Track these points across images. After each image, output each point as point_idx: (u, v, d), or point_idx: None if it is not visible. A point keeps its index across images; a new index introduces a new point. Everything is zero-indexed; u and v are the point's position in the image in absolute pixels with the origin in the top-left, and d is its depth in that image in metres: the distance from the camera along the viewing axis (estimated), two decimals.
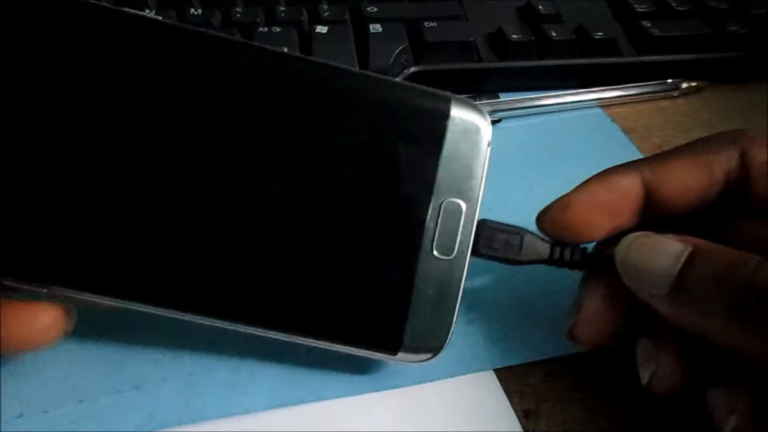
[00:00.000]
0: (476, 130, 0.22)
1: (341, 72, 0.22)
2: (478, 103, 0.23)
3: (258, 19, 0.37)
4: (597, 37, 0.38)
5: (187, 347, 0.25)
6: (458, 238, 0.22)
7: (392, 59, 0.36)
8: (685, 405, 0.24)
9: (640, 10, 0.40)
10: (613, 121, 0.37)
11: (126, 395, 0.23)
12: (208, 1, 0.38)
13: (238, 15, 0.37)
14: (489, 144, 0.22)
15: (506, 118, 0.36)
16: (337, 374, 0.24)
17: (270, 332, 0.22)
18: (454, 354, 0.25)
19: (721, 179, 0.21)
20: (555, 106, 0.36)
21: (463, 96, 0.22)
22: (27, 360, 0.24)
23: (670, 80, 0.38)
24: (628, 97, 0.38)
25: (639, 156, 0.34)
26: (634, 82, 0.38)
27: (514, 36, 0.37)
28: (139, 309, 0.21)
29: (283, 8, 0.38)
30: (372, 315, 0.22)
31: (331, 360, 0.24)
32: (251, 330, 0.22)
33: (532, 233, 0.23)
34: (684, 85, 0.38)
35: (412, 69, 0.36)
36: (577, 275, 0.24)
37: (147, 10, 0.37)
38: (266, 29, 0.37)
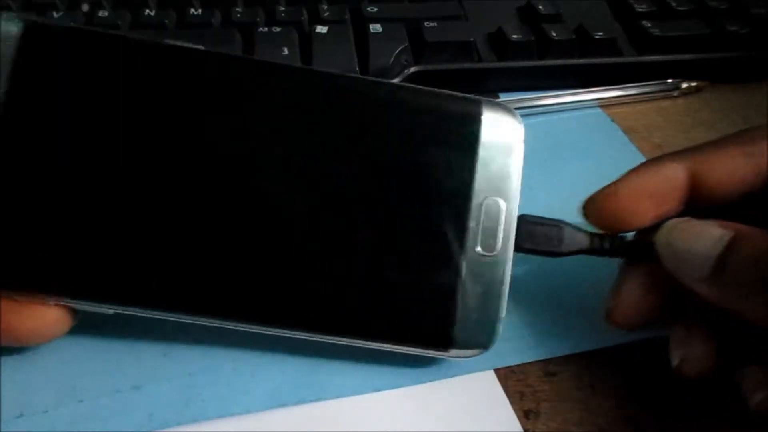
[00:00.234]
0: (508, 130, 0.23)
1: (378, 85, 0.23)
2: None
3: (258, 19, 0.37)
4: (597, 37, 0.38)
5: (187, 347, 0.25)
6: (500, 234, 0.23)
7: (392, 59, 0.36)
8: (684, 405, 0.24)
9: (640, 10, 0.40)
10: (613, 121, 0.37)
11: (126, 395, 0.23)
12: (208, 1, 0.38)
13: (238, 15, 0.37)
14: (523, 141, 0.23)
15: None
16: (337, 374, 0.24)
17: (325, 337, 0.23)
18: None
19: (765, 170, 0.22)
20: (555, 106, 0.36)
21: (493, 99, 0.23)
22: (27, 360, 0.24)
23: (670, 80, 0.38)
24: (628, 97, 0.38)
25: (639, 156, 0.34)
26: (634, 82, 0.38)
27: (514, 36, 0.37)
28: (178, 319, 0.22)
29: (283, 8, 0.38)
30: (424, 314, 0.22)
31: (331, 360, 0.24)
32: (307, 336, 0.22)
33: (570, 225, 0.24)
34: (684, 85, 0.38)
35: (412, 69, 0.36)
36: (578, 276, 0.24)
37: (147, 11, 0.37)
38: (266, 29, 0.37)
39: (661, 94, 0.38)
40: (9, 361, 0.24)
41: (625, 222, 0.23)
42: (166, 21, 0.37)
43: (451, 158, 0.23)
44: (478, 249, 0.22)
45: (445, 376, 0.24)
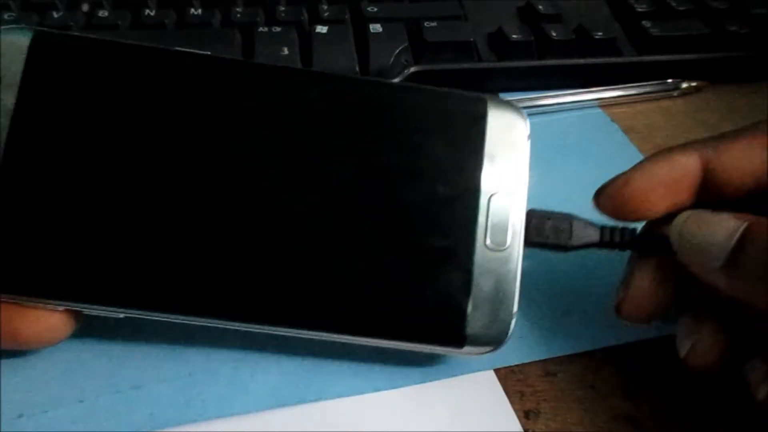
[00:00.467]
0: (514, 126, 0.23)
1: (384, 85, 0.24)
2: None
3: (258, 19, 0.37)
4: (597, 37, 0.38)
5: (187, 347, 0.25)
6: (510, 229, 0.23)
7: (392, 59, 0.36)
8: (685, 404, 0.24)
9: (640, 10, 0.40)
10: (613, 121, 0.37)
11: (126, 395, 0.23)
12: (208, 1, 0.38)
13: (238, 15, 0.37)
14: (528, 137, 0.23)
15: None
16: (337, 374, 0.24)
17: (338, 336, 0.22)
18: (454, 354, 0.25)
19: None
20: (555, 106, 0.36)
21: (498, 96, 0.24)
22: (27, 360, 0.24)
23: (670, 80, 0.38)
24: (628, 97, 0.38)
25: (639, 156, 0.34)
26: (634, 82, 0.38)
27: (514, 36, 0.37)
28: (196, 323, 0.22)
29: (283, 8, 0.38)
30: (436, 311, 0.22)
31: (331, 360, 0.24)
32: (320, 336, 0.22)
33: (580, 218, 0.24)
34: (684, 85, 0.38)
35: (412, 69, 0.36)
36: (577, 276, 0.24)
37: (147, 11, 0.37)
38: (266, 29, 0.37)
39: (661, 94, 0.38)
40: (9, 362, 0.24)
41: (638, 211, 0.22)
42: (166, 21, 0.37)
43: (458, 155, 0.23)
44: (489, 244, 0.22)
45: (445, 376, 0.24)
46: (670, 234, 0.21)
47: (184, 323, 0.22)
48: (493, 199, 0.23)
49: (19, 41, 0.22)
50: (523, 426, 0.23)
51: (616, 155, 0.33)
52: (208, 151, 0.22)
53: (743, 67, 0.39)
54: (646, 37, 0.39)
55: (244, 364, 0.24)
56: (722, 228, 0.20)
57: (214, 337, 0.25)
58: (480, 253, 0.22)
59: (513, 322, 0.22)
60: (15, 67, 0.21)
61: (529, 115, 0.36)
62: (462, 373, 0.24)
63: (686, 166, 0.22)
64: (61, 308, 0.22)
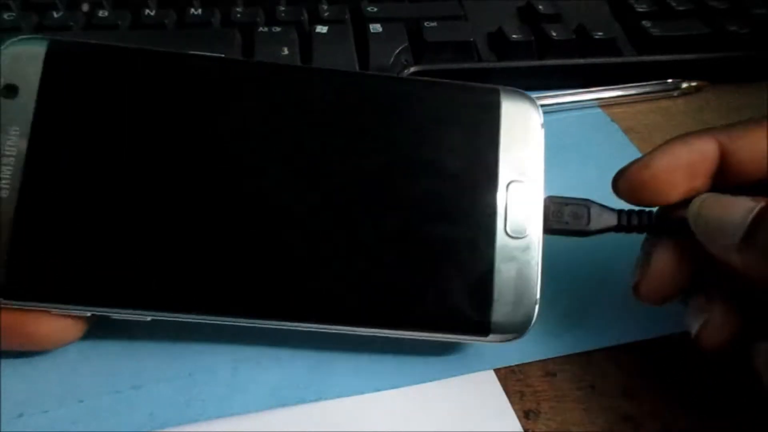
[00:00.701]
0: (527, 115, 0.24)
1: (400, 81, 0.26)
2: None
3: (258, 19, 0.37)
4: (597, 37, 0.38)
5: (187, 347, 0.25)
6: (529, 216, 0.23)
7: (392, 59, 0.36)
8: (684, 404, 0.24)
9: (640, 10, 0.40)
10: (613, 121, 0.37)
11: (126, 395, 0.23)
12: (208, 1, 0.38)
13: (238, 15, 0.37)
14: (542, 126, 0.24)
15: None
16: (337, 374, 0.24)
17: (364, 329, 0.23)
18: (454, 353, 0.25)
19: None
20: (555, 106, 0.36)
21: (510, 87, 0.24)
22: (27, 360, 0.24)
23: (670, 80, 0.38)
24: (628, 97, 0.38)
25: (639, 156, 0.34)
26: (634, 82, 0.38)
27: (514, 36, 0.37)
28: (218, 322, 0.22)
29: (283, 8, 0.38)
30: (461, 301, 0.23)
31: (331, 360, 0.24)
32: (346, 330, 0.23)
33: (597, 203, 0.24)
34: (684, 85, 0.38)
35: (412, 69, 0.36)
36: (577, 276, 0.24)
37: (147, 11, 0.37)
38: (266, 29, 0.37)
39: (661, 94, 0.38)
40: (9, 361, 0.24)
41: (657, 194, 0.23)
42: (166, 21, 0.37)
43: (474, 145, 0.23)
44: (509, 233, 0.23)
45: (445, 376, 0.24)
46: (687, 214, 0.22)
47: (212, 323, 0.22)
48: (511, 187, 0.23)
49: (35, 50, 0.22)
50: (523, 426, 0.23)
51: (616, 155, 0.33)
52: (229, 153, 0.22)
53: (743, 67, 0.39)
54: (646, 37, 0.39)
55: (244, 364, 0.24)
56: (738, 208, 0.20)
57: (215, 337, 0.25)
58: (501, 241, 0.23)
59: (536, 308, 0.23)
60: (32, 76, 0.22)
61: None
62: (462, 373, 0.24)
63: (704, 151, 0.22)
64: (89, 314, 0.22)
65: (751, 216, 0.20)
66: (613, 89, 0.38)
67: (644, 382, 0.25)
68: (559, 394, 0.24)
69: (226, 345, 0.25)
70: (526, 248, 0.23)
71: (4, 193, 0.21)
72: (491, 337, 0.23)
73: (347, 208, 0.23)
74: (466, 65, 0.37)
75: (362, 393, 0.24)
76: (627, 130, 0.36)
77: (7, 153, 0.21)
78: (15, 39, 0.22)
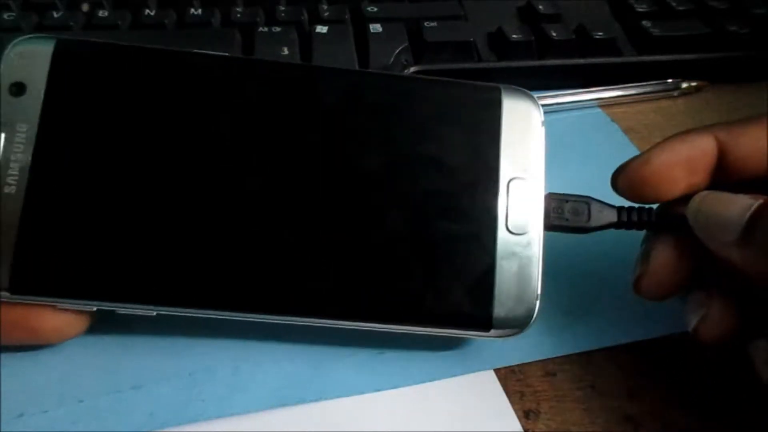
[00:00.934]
0: (528, 113, 0.24)
1: (403, 78, 0.26)
2: None
3: (258, 19, 0.37)
4: (597, 37, 0.38)
5: (188, 346, 0.25)
6: (530, 212, 0.23)
7: (392, 59, 0.36)
8: (684, 404, 0.24)
9: (640, 10, 0.40)
10: (613, 121, 0.37)
11: (126, 395, 0.23)
12: (208, 1, 0.38)
13: (238, 15, 0.37)
14: (543, 123, 0.24)
15: None
16: (337, 374, 0.24)
17: (367, 324, 0.23)
18: (454, 354, 0.25)
19: None
20: (555, 106, 0.36)
21: (510, 85, 0.24)
22: (27, 360, 0.24)
23: (670, 80, 0.38)
24: (628, 97, 0.38)
25: None
26: (634, 82, 0.38)
27: (514, 36, 0.37)
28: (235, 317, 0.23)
29: (283, 8, 0.38)
30: (463, 296, 0.23)
31: (331, 360, 0.24)
32: (351, 325, 0.23)
33: (597, 200, 0.24)
34: (684, 85, 0.38)
35: (412, 69, 0.36)
36: (577, 276, 0.24)
37: (147, 11, 0.37)
38: (266, 29, 0.37)
39: (661, 94, 0.38)
40: (9, 361, 0.24)
41: (656, 191, 0.23)
42: (166, 21, 0.37)
43: (475, 142, 0.23)
44: (510, 229, 0.23)
45: (445, 376, 0.24)
46: (687, 211, 0.22)
47: (217, 318, 0.22)
48: (512, 183, 0.23)
49: (42, 49, 0.22)
50: (523, 426, 0.23)
51: (616, 155, 0.33)
52: (234, 149, 0.23)
53: (743, 67, 0.39)
54: (646, 37, 0.39)
55: (244, 364, 0.24)
56: (737, 205, 0.20)
57: (215, 337, 0.25)
58: (502, 237, 0.23)
59: (537, 304, 0.23)
60: (40, 74, 0.22)
61: None
62: (462, 373, 0.24)
63: (703, 147, 0.23)
64: (94, 309, 0.22)
65: (749, 213, 0.20)
66: (613, 89, 0.38)
67: (644, 382, 0.25)
68: (559, 394, 0.24)
69: (226, 345, 0.25)
70: (528, 244, 0.23)
71: (12, 189, 0.22)
72: (493, 332, 0.23)
73: (350, 205, 0.23)
74: (466, 65, 0.37)
75: (362, 393, 0.24)
76: (627, 130, 0.36)
77: (15, 150, 0.22)
78: (23, 38, 0.23)
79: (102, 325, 0.24)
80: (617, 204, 0.24)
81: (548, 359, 0.25)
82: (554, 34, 0.37)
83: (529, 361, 0.25)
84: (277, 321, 0.22)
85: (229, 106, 0.23)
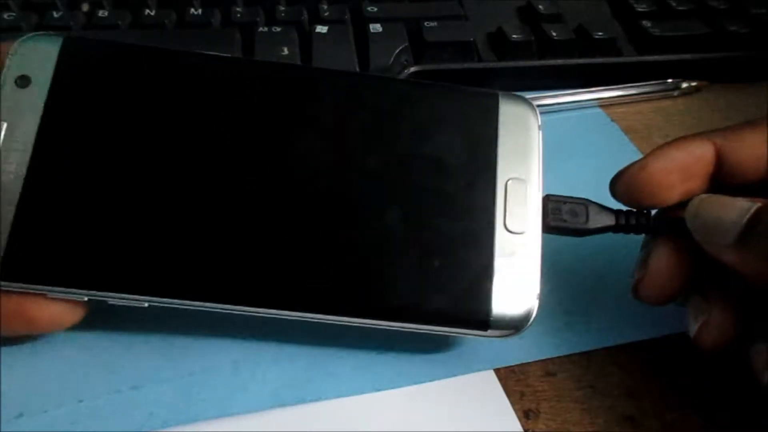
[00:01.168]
0: (525, 117, 0.24)
1: (404, 83, 0.27)
2: None
3: (258, 19, 0.37)
4: (597, 37, 0.38)
5: (187, 347, 0.25)
6: (528, 213, 0.23)
7: (392, 59, 0.36)
8: (684, 404, 0.24)
9: (640, 10, 0.40)
10: (613, 121, 0.37)
11: (126, 395, 0.23)
12: (208, 1, 0.38)
13: (238, 15, 0.37)
14: (539, 127, 0.24)
15: None
16: (337, 374, 0.24)
17: (365, 321, 0.23)
18: (454, 354, 0.25)
19: None
20: (555, 106, 0.36)
21: (508, 91, 0.25)
22: (27, 360, 0.24)
23: (670, 80, 0.38)
24: (628, 97, 0.38)
25: (639, 156, 0.34)
26: (634, 82, 0.38)
27: (514, 36, 0.37)
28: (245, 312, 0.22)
29: (283, 8, 0.38)
30: (461, 295, 0.23)
31: (331, 360, 0.25)
32: (348, 321, 0.23)
33: (595, 203, 0.24)
34: (684, 85, 0.38)
35: (412, 69, 0.36)
36: (577, 276, 0.24)
37: (147, 10, 0.37)
38: (266, 29, 0.37)
39: (661, 94, 0.38)
40: (9, 361, 0.24)
41: (654, 196, 0.23)
42: (166, 21, 0.37)
43: (474, 145, 0.24)
44: (509, 228, 0.23)
45: (445, 376, 0.24)
46: (685, 214, 0.22)
47: (209, 311, 0.22)
48: (509, 184, 0.23)
49: (50, 45, 0.23)
50: (523, 426, 0.23)
51: (616, 155, 0.33)
52: (232, 145, 0.23)
53: (743, 67, 0.39)
54: (646, 37, 0.39)
55: (244, 364, 0.24)
56: (735, 208, 0.20)
57: (215, 337, 0.25)
58: (500, 237, 0.23)
59: (536, 304, 0.23)
60: (46, 69, 0.23)
61: None
62: (462, 373, 0.24)
63: (701, 153, 0.23)
64: (86, 299, 0.22)
65: (747, 216, 0.20)
66: (613, 89, 0.38)
67: (644, 382, 0.25)
68: (559, 394, 0.24)
69: (226, 345, 0.25)
70: (526, 244, 0.23)
71: (10, 177, 0.22)
72: (490, 332, 0.23)
73: (351, 204, 0.23)
74: (466, 65, 0.37)
75: (362, 393, 0.24)
76: (627, 130, 0.36)
77: (16, 139, 0.22)
78: (32, 34, 0.23)
79: (102, 324, 0.24)
80: (616, 207, 0.24)
81: (548, 359, 0.25)
82: (554, 34, 0.37)
83: (529, 361, 0.25)
84: (273, 315, 0.22)
85: (230, 105, 0.23)
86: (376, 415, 0.23)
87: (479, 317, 0.23)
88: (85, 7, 0.37)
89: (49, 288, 0.22)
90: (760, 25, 0.39)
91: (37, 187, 0.22)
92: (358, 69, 0.36)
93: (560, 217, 0.24)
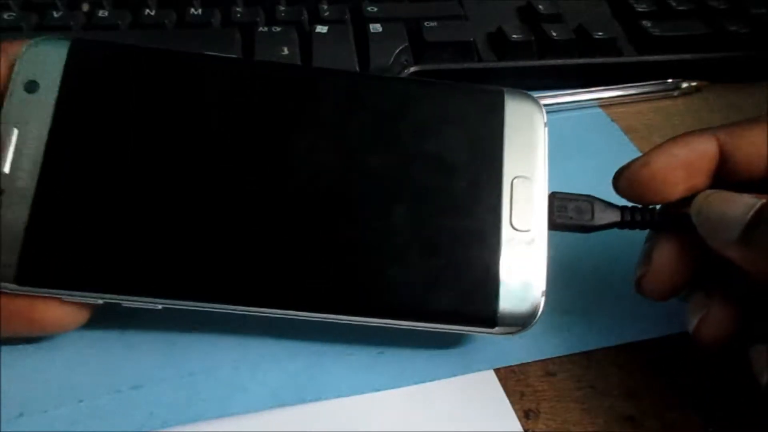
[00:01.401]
0: (531, 114, 0.25)
1: (411, 83, 0.27)
2: None
3: (258, 19, 0.37)
4: (597, 37, 0.38)
5: (187, 347, 0.25)
6: (533, 211, 0.23)
7: (392, 59, 0.36)
8: (684, 404, 0.24)
9: (640, 10, 0.40)
10: (613, 121, 0.37)
11: (126, 395, 0.23)
12: (208, 1, 0.38)
13: (238, 15, 0.37)
14: (545, 125, 0.24)
15: None
16: (337, 374, 0.24)
17: (373, 320, 0.23)
18: (454, 354, 0.25)
19: None
20: (555, 106, 0.36)
21: (514, 88, 0.25)
22: (27, 360, 0.24)
23: (670, 80, 0.38)
24: (628, 97, 0.38)
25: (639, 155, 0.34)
26: (634, 82, 0.38)
27: (514, 36, 0.37)
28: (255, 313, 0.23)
29: (283, 8, 0.38)
30: (468, 292, 0.23)
31: (331, 360, 0.24)
32: (355, 321, 0.23)
33: (600, 200, 0.24)
34: (684, 85, 0.38)
35: (412, 69, 0.36)
36: (577, 275, 0.24)
37: (147, 10, 0.37)
38: (266, 29, 0.37)
39: (661, 94, 0.38)
40: (9, 361, 0.24)
41: (657, 192, 0.23)
42: (166, 21, 0.37)
43: (480, 143, 0.24)
44: (515, 225, 0.23)
45: (445, 376, 0.24)
46: (691, 209, 0.22)
47: (223, 312, 0.22)
48: (515, 182, 0.24)
49: (57, 49, 0.23)
50: (523, 426, 0.23)
51: (616, 155, 0.33)
52: (241, 147, 0.23)
53: (743, 67, 0.39)
54: (646, 37, 0.39)
55: (244, 364, 0.24)
56: (740, 204, 0.20)
57: (214, 337, 0.25)
58: (507, 234, 0.23)
59: (542, 301, 0.23)
60: (54, 73, 0.23)
61: None
62: (462, 373, 0.24)
63: (704, 149, 0.23)
64: (101, 302, 0.22)
65: (751, 212, 0.20)
66: (613, 89, 0.38)
67: (644, 382, 0.25)
68: (559, 394, 0.24)
69: (226, 344, 0.25)
70: (532, 241, 0.23)
71: (23, 183, 0.22)
72: (498, 328, 0.23)
73: (360, 203, 0.23)
74: (466, 65, 0.37)
75: (362, 393, 0.24)
76: (627, 130, 0.36)
77: (28, 144, 0.22)
78: (39, 38, 0.23)
79: (102, 324, 0.24)
80: (620, 204, 0.24)
81: (548, 359, 0.25)
82: (554, 34, 0.37)
83: (529, 361, 0.25)
84: (285, 316, 0.23)
85: (240, 106, 0.23)
86: (376, 415, 0.23)
87: (487, 314, 0.23)
88: (85, 7, 0.37)
89: (65, 292, 0.22)
90: (760, 25, 0.39)
91: (50, 191, 0.22)
92: (358, 69, 0.36)
93: (566, 214, 0.24)
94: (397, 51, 0.36)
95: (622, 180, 0.23)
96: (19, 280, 0.22)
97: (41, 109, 0.22)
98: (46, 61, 0.23)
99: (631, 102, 0.38)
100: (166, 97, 0.23)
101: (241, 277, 0.22)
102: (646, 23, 0.39)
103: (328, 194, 0.23)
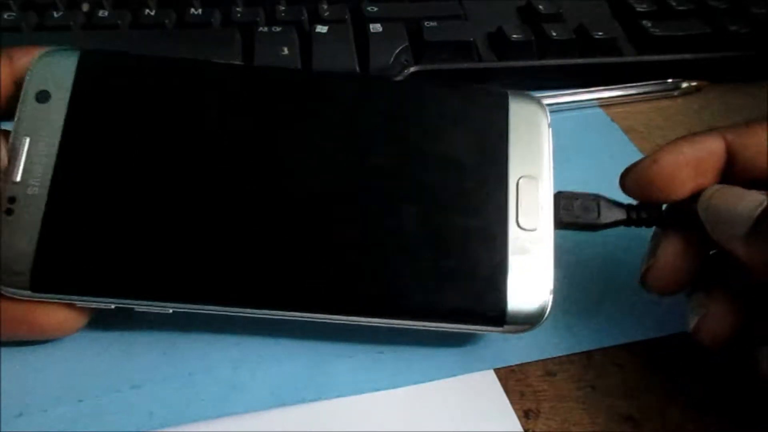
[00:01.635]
0: (535, 115, 0.25)
1: (417, 86, 0.27)
2: None
3: (258, 19, 0.37)
4: (597, 37, 0.38)
5: (187, 346, 0.25)
6: (540, 210, 0.24)
7: (392, 59, 0.36)
8: (684, 404, 0.24)
9: (640, 10, 0.40)
10: (613, 121, 0.37)
11: (126, 395, 0.23)
12: (208, 1, 0.38)
13: (238, 15, 0.38)
14: (549, 125, 0.25)
15: None
16: (337, 374, 0.24)
17: (383, 321, 0.23)
18: (454, 354, 0.25)
19: None
20: (555, 106, 0.36)
21: (517, 90, 0.25)
22: (27, 359, 0.24)
23: (670, 80, 0.38)
24: (628, 97, 0.38)
25: (639, 156, 0.34)
26: (634, 82, 0.38)
27: (514, 36, 0.37)
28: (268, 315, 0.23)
29: (283, 8, 0.38)
30: (477, 292, 0.23)
31: (331, 360, 0.24)
32: (366, 321, 0.23)
33: (606, 198, 0.24)
34: (684, 85, 0.38)
35: (412, 69, 0.36)
36: (577, 275, 0.24)
37: (147, 10, 0.37)
38: (266, 29, 0.37)
39: (661, 94, 0.38)
40: (9, 361, 0.24)
41: (664, 191, 0.23)
42: (166, 21, 0.37)
43: (485, 143, 0.24)
44: (521, 224, 0.23)
45: (445, 376, 0.24)
46: (698, 203, 0.22)
47: (233, 315, 0.23)
48: (521, 182, 0.24)
49: (67, 60, 0.23)
50: (523, 426, 0.23)
51: (616, 155, 0.33)
52: (254, 153, 0.23)
53: (743, 67, 0.39)
54: (646, 37, 0.39)
55: (244, 364, 0.24)
56: (748, 200, 0.20)
57: (214, 337, 0.25)
58: (513, 234, 0.23)
59: (550, 299, 0.23)
60: (65, 83, 0.23)
61: None
62: (462, 373, 0.24)
63: (711, 148, 0.23)
64: (113, 306, 0.22)
65: (760, 209, 0.20)
66: (613, 89, 0.38)
67: (644, 382, 0.25)
68: (559, 394, 0.24)
69: (225, 344, 0.25)
70: (539, 240, 0.23)
71: (35, 191, 0.22)
72: (506, 327, 0.23)
73: (368, 205, 0.23)
74: (466, 65, 0.37)
75: (362, 393, 0.24)
76: (627, 130, 0.36)
77: (39, 153, 0.22)
78: (50, 48, 0.24)
79: (102, 325, 0.24)
80: (626, 202, 0.24)
81: (548, 359, 0.25)
82: (554, 34, 0.37)
83: (529, 361, 0.25)
84: (296, 318, 0.23)
85: (250, 115, 0.24)
86: (376, 415, 0.23)
87: (495, 313, 0.23)
88: (85, 7, 0.37)
89: (79, 298, 0.22)
90: (760, 25, 0.39)
91: (62, 199, 0.22)
92: (358, 69, 0.36)
93: (572, 213, 0.24)
94: (397, 51, 0.36)
95: (629, 178, 0.23)
96: (34, 287, 0.22)
97: (52, 119, 0.23)
98: (56, 71, 0.23)
99: (631, 102, 0.38)
100: (175, 105, 0.24)
101: (255, 281, 0.23)
102: (646, 23, 0.39)
103: (339, 198, 0.23)
